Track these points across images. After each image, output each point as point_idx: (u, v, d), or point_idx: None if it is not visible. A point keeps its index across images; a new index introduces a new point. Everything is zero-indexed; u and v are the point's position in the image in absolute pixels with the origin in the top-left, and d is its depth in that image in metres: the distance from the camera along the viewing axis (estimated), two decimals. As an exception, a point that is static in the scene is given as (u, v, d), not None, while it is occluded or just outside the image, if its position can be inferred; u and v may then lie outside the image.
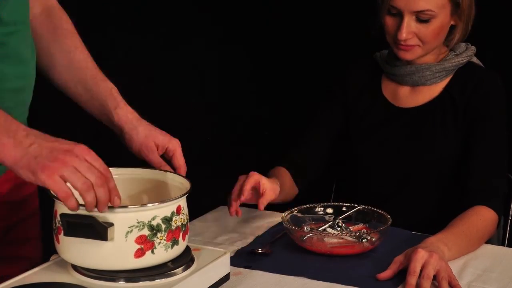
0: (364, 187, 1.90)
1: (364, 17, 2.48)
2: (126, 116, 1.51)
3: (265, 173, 1.90)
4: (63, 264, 1.28)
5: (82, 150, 1.16)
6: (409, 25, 1.77)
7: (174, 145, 1.49)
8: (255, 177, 1.69)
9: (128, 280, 1.22)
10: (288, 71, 2.97)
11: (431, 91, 1.87)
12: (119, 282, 1.22)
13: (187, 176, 1.41)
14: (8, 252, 1.18)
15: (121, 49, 2.80)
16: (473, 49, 1.89)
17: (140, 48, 2.85)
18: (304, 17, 2.89)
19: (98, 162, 1.16)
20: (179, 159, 1.49)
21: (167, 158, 1.50)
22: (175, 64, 2.96)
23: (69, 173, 1.12)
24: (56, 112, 2.78)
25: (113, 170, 1.39)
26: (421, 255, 1.44)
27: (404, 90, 1.89)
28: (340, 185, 2.09)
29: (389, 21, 1.82)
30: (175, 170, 1.48)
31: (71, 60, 1.54)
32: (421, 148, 1.84)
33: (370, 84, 1.94)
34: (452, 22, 1.83)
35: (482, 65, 1.91)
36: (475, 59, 1.90)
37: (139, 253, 1.21)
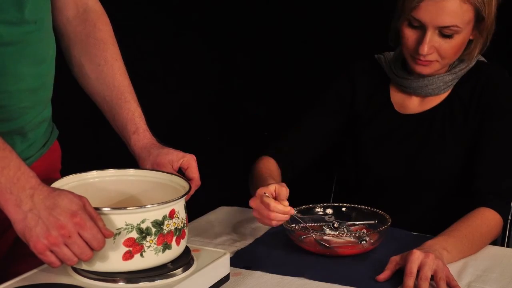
0: (369, 195, 1.85)
1: (363, 15, 2.47)
2: (142, 141, 1.50)
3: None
4: (63, 265, 1.27)
5: (77, 224, 1.17)
6: (432, 39, 1.70)
7: (189, 160, 1.47)
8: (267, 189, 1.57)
9: (127, 281, 1.22)
10: (288, 71, 2.97)
11: (440, 95, 1.83)
12: (119, 283, 1.22)
13: (188, 179, 1.40)
14: (25, 249, 1.19)
15: (120, 49, 2.80)
16: None
17: (138, 49, 2.85)
18: (304, 16, 2.89)
19: (94, 231, 1.17)
20: (193, 172, 1.46)
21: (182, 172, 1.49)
22: (174, 64, 2.96)
23: (59, 249, 1.17)
24: (57, 112, 2.78)
25: (113, 171, 1.39)
26: (416, 256, 1.43)
27: (414, 99, 1.85)
28: (340, 187, 2.07)
29: (409, 33, 1.74)
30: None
31: (99, 75, 1.53)
32: (432, 152, 1.80)
33: (377, 90, 1.89)
34: (471, 37, 1.77)
35: (485, 60, 1.87)
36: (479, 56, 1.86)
37: (127, 256, 1.21)
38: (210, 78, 3.00)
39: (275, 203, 1.52)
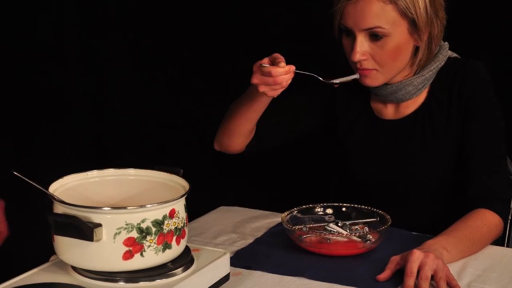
0: (363, 200, 1.86)
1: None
2: None
3: (267, 176, 1.90)
4: (63, 265, 1.28)
5: None
6: (362, 44, 1.67)
7: None
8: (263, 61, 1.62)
9: (127, 280, 1.23)
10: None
11: (416, 99, 1.80)
12: (119, 283, 1.22)
13: (188, 178, 1.40)
14: None
15: (120, 49, 2.80)
16: (446, 45, 1.80)
17: (139, 48, 2.85)
18: (304, 16, 2.89)
19: None
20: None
21: None
22: (175, 64, 2.96)
23: None
24: (57, 112, 2.78)
25: (113, 171, 1.40)
26: (416, 256, 1.43)
27: (389, 106, 1.83)
28: (338, 188, 2.07)
29: (345, 42, 1.73)
30: None
31: None
32: (413, 157, 1.79)
33: (358, 95, 1.87)
34: (415, 43, 1.72)
35: (458, 56, 1.83)
36: (449, 52, 1.82)
37: (128, 256, 1.21)
38: (210, 78, 3.00)
39: (275, 68, 1.57)
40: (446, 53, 1.79)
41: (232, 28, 2.92)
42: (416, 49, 1.74)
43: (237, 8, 2.89)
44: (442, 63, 1.78)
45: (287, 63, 1.61)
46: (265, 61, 1.61)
